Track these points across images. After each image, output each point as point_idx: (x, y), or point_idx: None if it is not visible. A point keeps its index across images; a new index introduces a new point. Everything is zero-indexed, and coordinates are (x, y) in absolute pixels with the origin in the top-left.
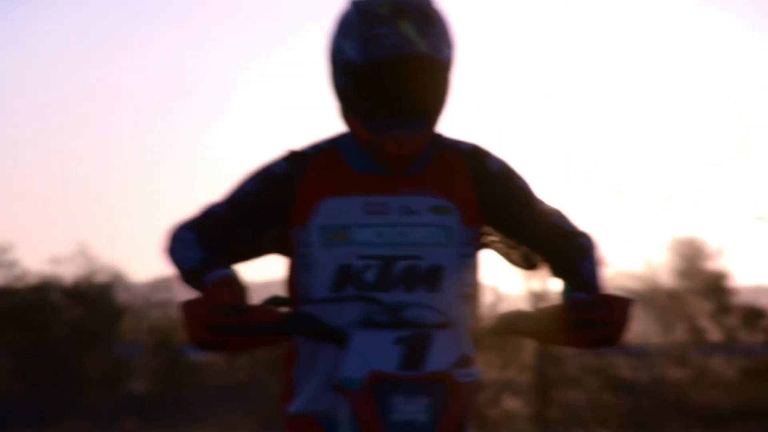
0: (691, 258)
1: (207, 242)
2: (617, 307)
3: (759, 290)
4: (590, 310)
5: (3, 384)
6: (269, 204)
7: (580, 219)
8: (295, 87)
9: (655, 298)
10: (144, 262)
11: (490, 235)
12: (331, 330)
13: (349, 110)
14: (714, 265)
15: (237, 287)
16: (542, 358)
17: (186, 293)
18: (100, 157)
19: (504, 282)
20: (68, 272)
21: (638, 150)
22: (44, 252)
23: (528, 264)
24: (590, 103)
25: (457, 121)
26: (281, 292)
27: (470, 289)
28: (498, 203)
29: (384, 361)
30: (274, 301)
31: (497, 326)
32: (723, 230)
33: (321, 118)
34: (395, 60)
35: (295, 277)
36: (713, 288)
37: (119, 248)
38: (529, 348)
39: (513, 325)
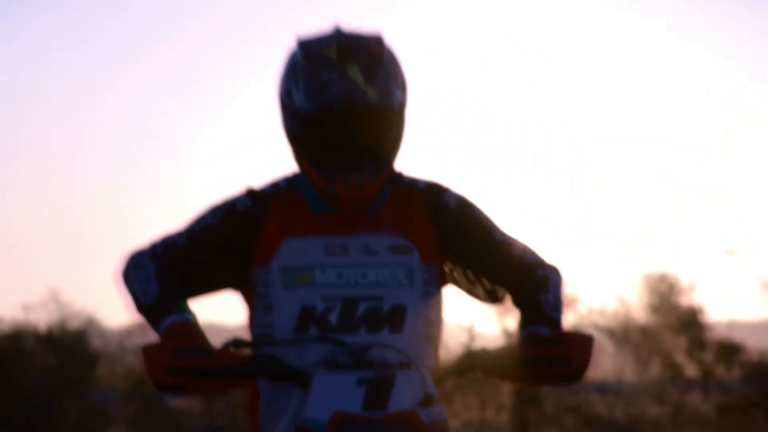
0: (663, 293)
1: (165, 275)
2: (578, 344)
3: (733, 325)
4: (550, 346)
5: None
6: (230, 239)
7: (545, 252)
8: (256, 128)
9: (629, 335)
10: (117, 307)
11: (452, 271)
12: (293, 371)
13: (300, 154)
14: (687, 300)
15: (194, 332)
16: (520, 398)
17: (144, 327)
18: (69, 203)
19: (479, 320)
20: (41, 318)
21: (614, 144)
22: (16, 298)
23: (492, 298)
24: (566, 97)
25: (433, 118)
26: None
27: (433, 328)
28: (458, 239)
29: (348, 402)
30: (235, 343)
31: (459, 365)
32: (694, 264)
33: (282, 157)
34: (342, 109)
35: (256, 317)
36: (687, 323)
37: (92, 294)
38: (506, 387)
39: (474, 363)
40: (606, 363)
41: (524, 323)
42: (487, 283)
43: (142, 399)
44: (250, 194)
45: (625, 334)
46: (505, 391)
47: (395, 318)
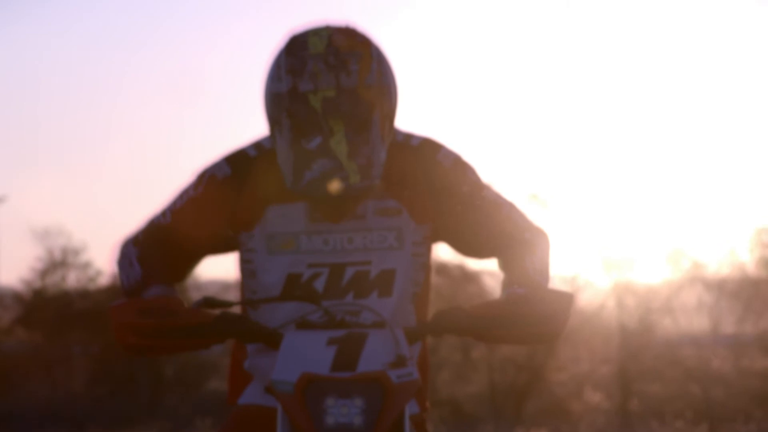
0: None
1: (148, 257)
2: (555, 303)
3: None
4: (527, 306)
5: (81, 386)
6: (213, 209)
7: (534, 215)
8: None
9: (741, 288)
10: (213, 262)
11: (442, 229)
12: (263, 332)
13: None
14: None
15: (171, 303)
16: (624, 352)
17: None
18: (167, 156)
19: (583, 271)
20: None
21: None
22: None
23: (479, 256)
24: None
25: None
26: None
27: (420, 288)
28: (449, 198)
29: (316, 363)
30: (206, 303)
31: (433, 325)
32: None
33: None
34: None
35: (243, 282)
36: None
37: None
38: (614, 341)
39: (449, 323)
40: (711, 315)
41: (506, 284)
42: (475, 243)
43: None
44: (230, 161)
45: (738, 288)
46: (614, 344)
47: (384, 282)
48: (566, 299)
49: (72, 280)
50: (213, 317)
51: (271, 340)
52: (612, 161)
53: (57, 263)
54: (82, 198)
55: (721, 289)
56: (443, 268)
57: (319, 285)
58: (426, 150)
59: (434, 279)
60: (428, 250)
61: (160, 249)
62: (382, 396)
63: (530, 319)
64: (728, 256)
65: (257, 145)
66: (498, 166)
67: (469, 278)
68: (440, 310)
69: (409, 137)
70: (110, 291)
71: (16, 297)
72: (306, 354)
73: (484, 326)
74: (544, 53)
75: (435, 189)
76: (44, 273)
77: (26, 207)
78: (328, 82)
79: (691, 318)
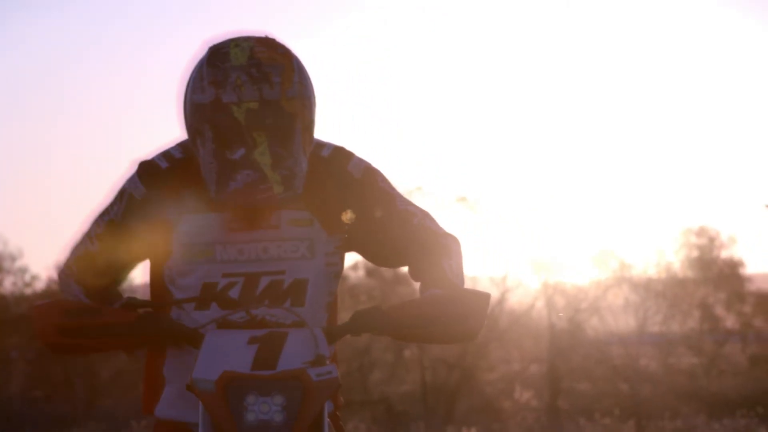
0: (703, 247)
1: (91, 289)
2: (473, 302)
3: None
4: (445, 305)
5: (18, 389)
6: (133, 230)
7: (445, 222)
8: None
9: (668, 288)
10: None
11: (355, 238)
12: (185, 331)
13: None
14: (727, 253)
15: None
16: (552, 351)
17: None
18: (106, 162)
19: (512, 273)
20: None
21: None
22: (49, 257)
23: (392, 264)
24: None
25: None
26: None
27: (332, 297)
28: (361, 207)
29: (237, 361)
30: (129, 304)
31: (352, 325)
32: (733, 218)
33: None
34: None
35: (162, 288)
36: (727, 276)
37: None
38: (545, 341)
39: (367, 323)
40: (638, 315)
41: (424, 287)
42: (386, 252)
43: None
44: (143, 177)
45: (665, 287)
46: (543, 344)
47: (297, 291)
48: (483, 299)
49: (8, 285)
50: (136, 317)
51: (193, 339)
52: (540, 162)
53: None
54: (18, 204)
55: (647, 289)
56: (375, 270)
57: (234, 294)
58: (337, 160)
59: (365, 280)
60: (341, 260)
61: (98, 278)
62: (302, 394)
63: (448, 319)
64: (655, 256)
65: (167, 155)
66: (428, 169)
67: (401, 280)
68: (359, 310)
69: (320, 147)
70: (46, 296)
71: None
72: (227, 353)
73: (403, 326)
74: (520, 56)
75: (346, 199)
76: None
77: None
78: (251, 94)
79: (619, 317)
